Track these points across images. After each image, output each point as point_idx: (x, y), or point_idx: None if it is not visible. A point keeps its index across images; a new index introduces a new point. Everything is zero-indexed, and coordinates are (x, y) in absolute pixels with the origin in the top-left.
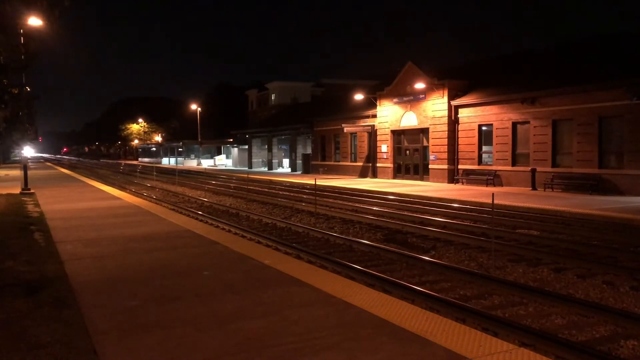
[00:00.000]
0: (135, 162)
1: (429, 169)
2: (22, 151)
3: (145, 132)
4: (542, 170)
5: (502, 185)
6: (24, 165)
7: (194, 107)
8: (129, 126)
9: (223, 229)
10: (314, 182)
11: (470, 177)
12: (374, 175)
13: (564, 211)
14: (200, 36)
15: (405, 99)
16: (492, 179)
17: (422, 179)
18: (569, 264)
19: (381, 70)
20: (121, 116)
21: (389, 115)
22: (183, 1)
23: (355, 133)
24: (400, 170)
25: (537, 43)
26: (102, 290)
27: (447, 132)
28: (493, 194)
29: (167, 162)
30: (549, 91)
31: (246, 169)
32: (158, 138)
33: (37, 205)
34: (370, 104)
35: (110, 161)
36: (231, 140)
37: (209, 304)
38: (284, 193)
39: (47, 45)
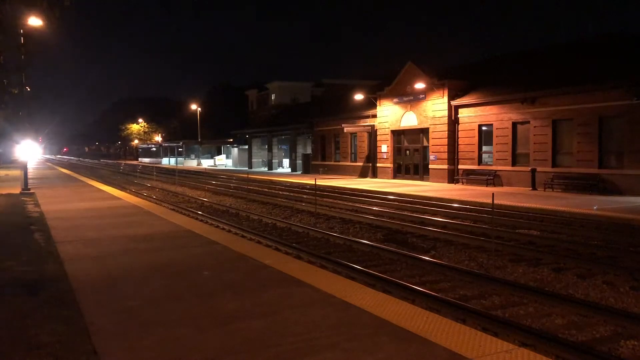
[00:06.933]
0: (135, 162)
1: (429, 169)
2: (18, 153)
3: (145, 132)
4: (542, 170)
5: (502, 185)
6: (23, 165)
7: (194, 107)
8: (129, 126)
9: (223, 229)
10: (314, 182)
11: (471, 177)
12: (374, 175)
13: (564, 211)
14: (200, 36)
15: (405, 99)
16: (492, 179)
17: (422, 179)
18: (569, 264)
19: (381, 70)
20: (121, 116)
21: (389, 115)
22: (182, 1)
23: (355, 133)
24: (401, 170)
25: (537, 43)
26: (102, 290)
27: (447, 132)
28: (493, 194)
29: (167, 162)
30: (549, 91)
31: (246, 169)
32: (158, 138)
33: (37, 205)
34: (370, 104)
35: (110, 161)
36: (231, 140)
37: (209, 304)
38: (284, 193)
39: (48, 45)
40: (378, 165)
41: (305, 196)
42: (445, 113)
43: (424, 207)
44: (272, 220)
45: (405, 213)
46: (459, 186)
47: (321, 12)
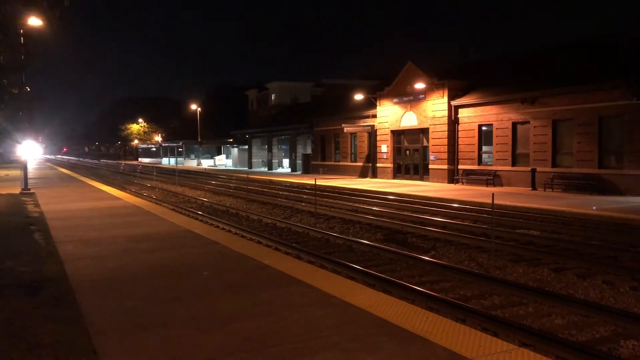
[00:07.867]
0: (135, 162)
1: (429, 169)
2: (18, 152)
3: (145, 132)
4: (542, 170)
5: (502, 186)
6: (23, 165)
7: (194, 107)
8: (129, 126)
9: (223, 229)
10: (314, 182)
11: (470, 177)
12: (374, 175)
13: (563, 211)
14: (200, 36)
15: (405, 99)
16: (492, 179)
17: (422, 179)
18: (569, 264)
19: (381, 70)
20: (121, 116)
21: (389, 115)
22: (183, 1)
23: (355, 133)
24: (400, 170)
25: (537, 43)
26: (102, 290)
27: (447, 132)
28: (493, 194)
29: (167, 162)
30: (549, 91)
31: (246, 169)
32: (158, 138)
33: (37, 205)
34: (370, 104)
35: (110, 161)
36: (231, 140)
37: (209, 304)
38: (284, 193)
39: (48, 45)
40: (378, 165)
41: (305, 196)
42: (445, 113)
43: (423, 207)
44: (272, 220)
45: (405, 213)
46: (459, 186)
47: (321, 12)
